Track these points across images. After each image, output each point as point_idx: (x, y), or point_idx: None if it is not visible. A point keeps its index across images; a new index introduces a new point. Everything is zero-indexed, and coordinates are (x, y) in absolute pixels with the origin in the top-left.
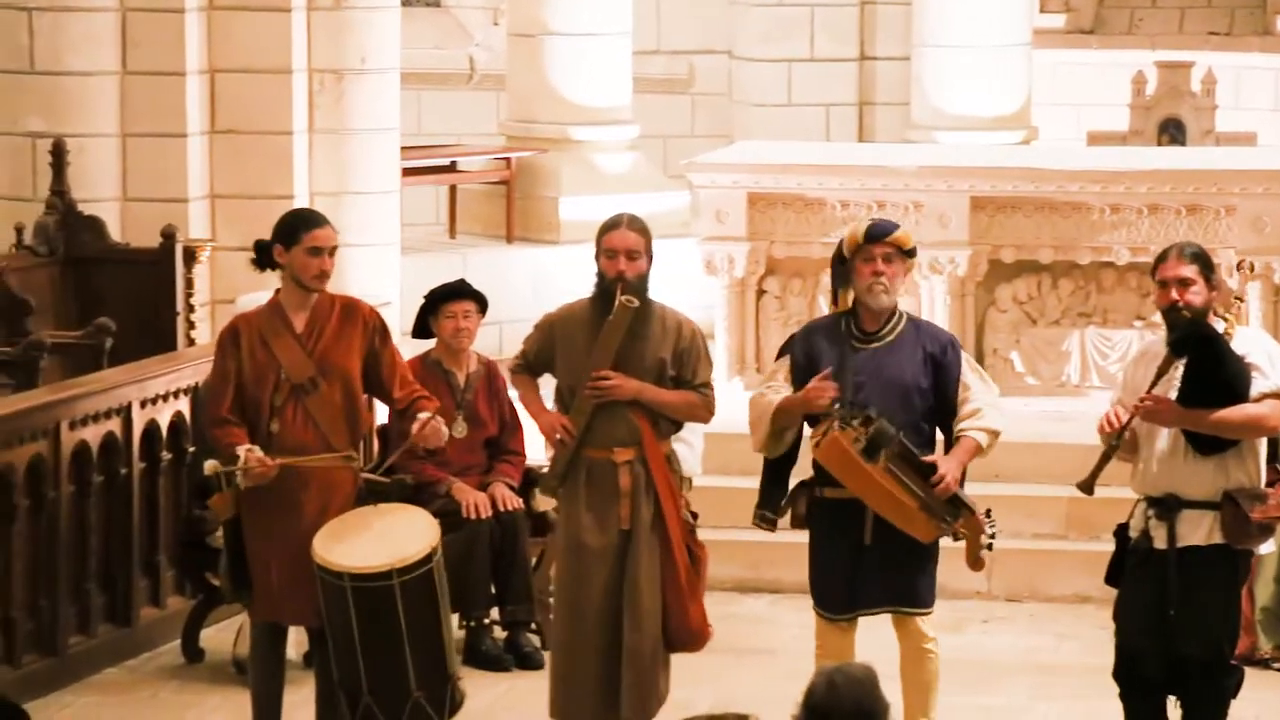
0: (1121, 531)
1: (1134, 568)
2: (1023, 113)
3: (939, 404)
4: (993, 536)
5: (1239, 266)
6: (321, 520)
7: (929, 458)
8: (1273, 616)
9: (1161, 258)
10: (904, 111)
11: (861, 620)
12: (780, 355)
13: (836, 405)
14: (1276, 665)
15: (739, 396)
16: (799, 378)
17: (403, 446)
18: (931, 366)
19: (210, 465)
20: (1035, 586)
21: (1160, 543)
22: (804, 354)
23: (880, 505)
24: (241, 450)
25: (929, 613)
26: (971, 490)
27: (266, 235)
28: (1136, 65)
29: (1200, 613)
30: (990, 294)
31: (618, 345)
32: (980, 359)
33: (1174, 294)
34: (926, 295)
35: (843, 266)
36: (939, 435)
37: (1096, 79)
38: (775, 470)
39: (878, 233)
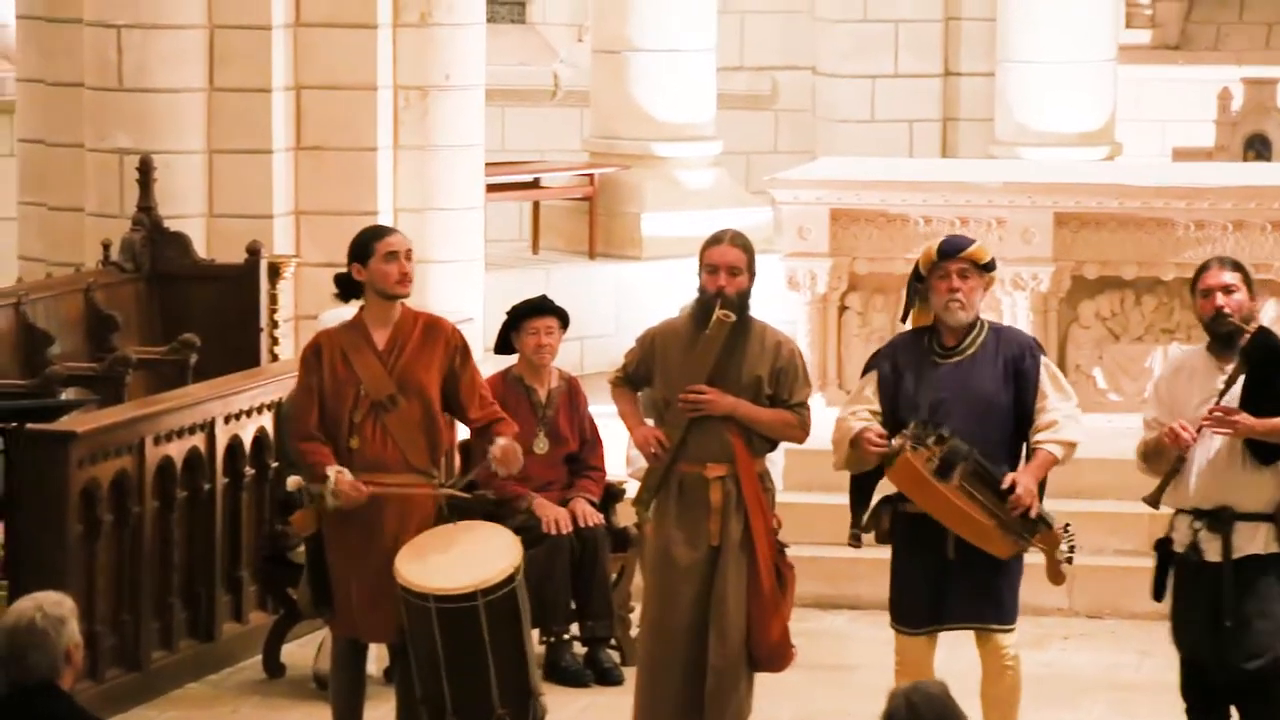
0: (1164, 545)
1: (1186, 581)
2: (1107, 129)
3: (1018, 412)
4: (1072, 550)
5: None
6: (401, 538)
7: (1006, 478)
8: None
9: (1204, 268)
10: (988, 127)
11: (942, 636)
12: (866, 371)
13: (911, 425)
14: None
15: (821, 413)
16: (886, 392)
17: (480, 465)
18: (1013, 374)
19: (293, 481)
20: (1117, 603)
21: (1213, 555)
22: (891, 368)
23: (956, 524)
24: (332, 472)
25: (1012, 629)
26: (1053, 506)
27: (347, 253)
28: (1222, 81)
29: (1261, 621)
30: (1073, 310)
31: (714, 360)
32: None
33: (1219, 300)
34: (1009, 311)
35: (920, 284)
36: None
37: (1182, 95)
38: (860, 486)
39: (951, 249)
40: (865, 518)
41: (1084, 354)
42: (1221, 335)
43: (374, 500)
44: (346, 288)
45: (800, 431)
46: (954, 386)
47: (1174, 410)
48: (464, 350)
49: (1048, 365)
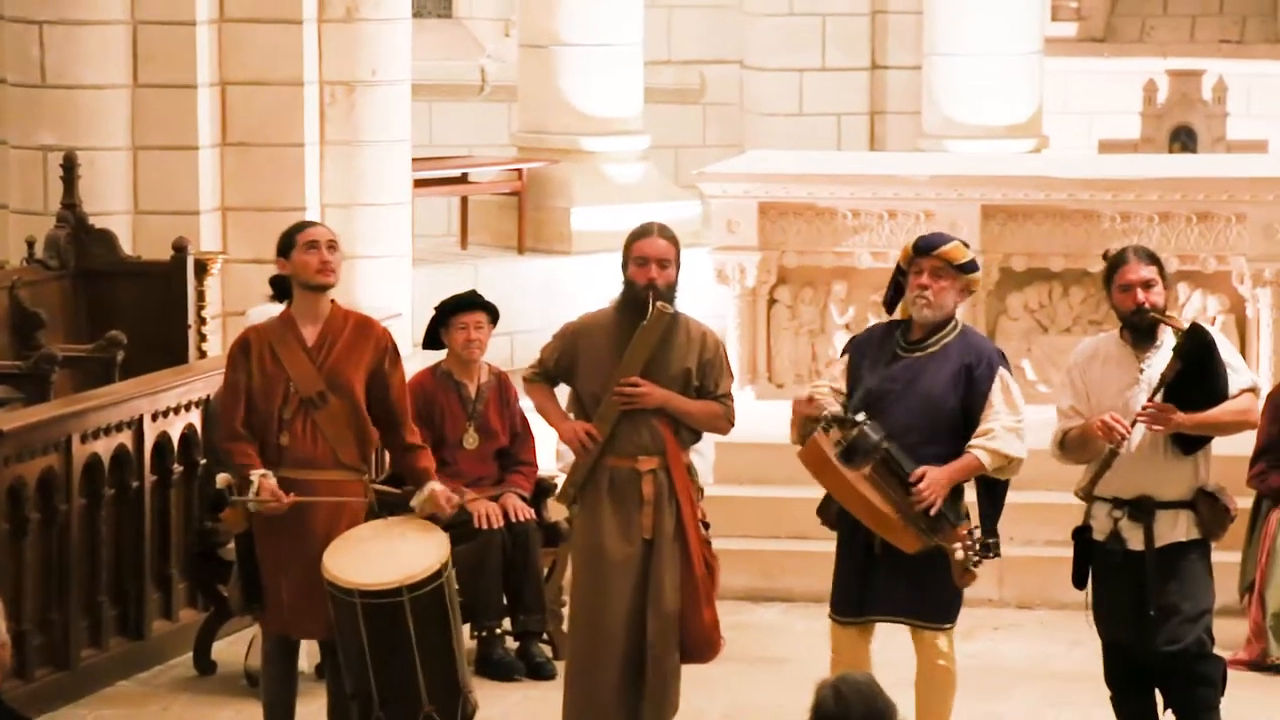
0: (1082, 533)
1: (1108, 570)
2: (1034, 121)
3: (968, 419)
4: (980, 553)
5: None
6: (332, 534)
7: (917, 471)
8: None
9: (1120, 260)
10: (915, 121)
11: (881, 629)
12: (843, 354)
13: (830, 411)
14: None
15: (750, 406)
16: (852, 376)
17: (408, 499)
18: (965, 379)
19: (222, 478)
20: (1047, 594)
21: (1135, 544)
22: (857, 355)
23: (859, 511)
24: (255, 476)
25: (945, 628)
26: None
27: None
28: (1148, 73)
29: (1180, 607)
30: (1001, 302)
31: (649, 353)
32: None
33: (1140, 295)
34: None
35: (903, 278)
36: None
37: (1108, 87)
38: None
39: (925, 246)
40: (821, 501)
41: (1012, 346)
42: (1142, 329)
43: (305, 495)
44: (280, 288)
45: (726, 423)
46: (906, 380)
47: (1092, 398)
48: (394, 353)
49: (1003, 377)
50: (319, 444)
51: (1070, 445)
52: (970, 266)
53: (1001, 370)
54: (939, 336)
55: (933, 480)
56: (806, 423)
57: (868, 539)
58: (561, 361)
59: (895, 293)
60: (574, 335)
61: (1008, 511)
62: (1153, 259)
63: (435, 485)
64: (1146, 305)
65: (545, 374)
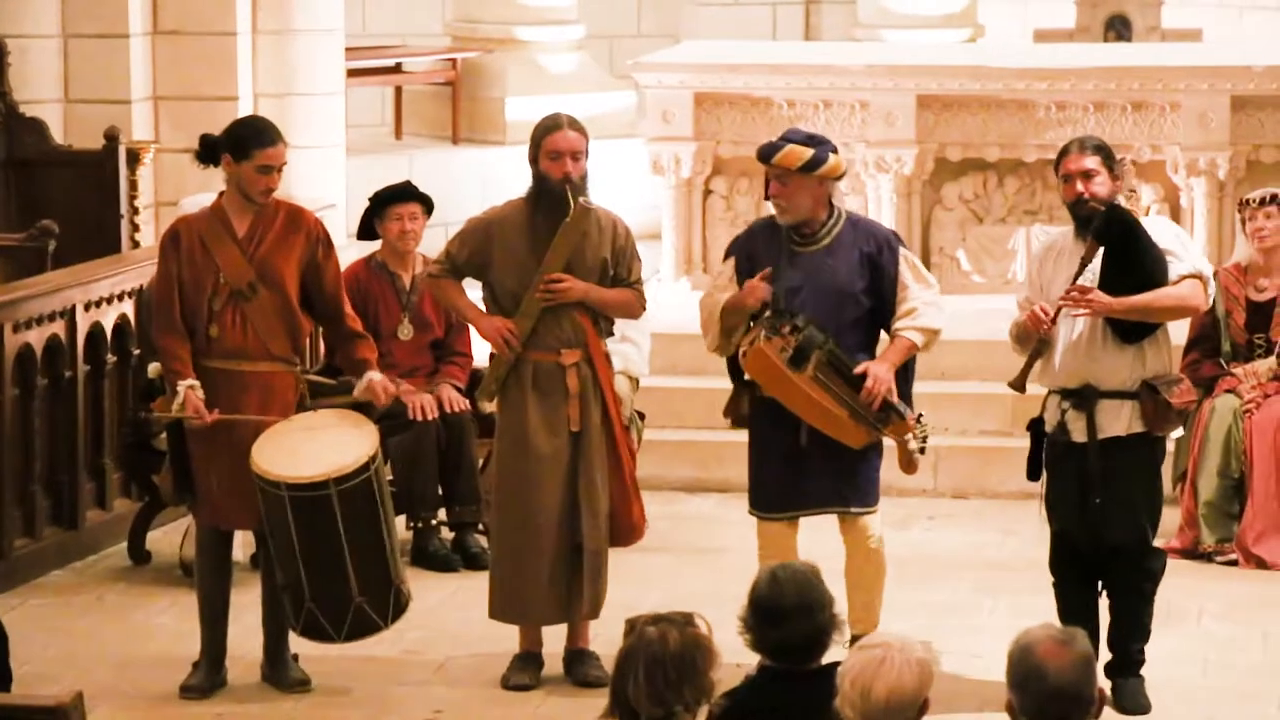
0: (1036, 425)
1: (1055, 461)
2: (969, 11)
3: (877, 304)
4: (924, 440)
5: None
6: (262, 427)
7: (860, 366)
8: (1215, 511)
9: (1064, 152)
10: (851, 10)
11: (806, 521)
12: (727, 256)
13: (766, 313)
14: (1219, 559)
15: (685, 297)
16: (742, 278)
17: (344, 389)
18: (869, 267)
19: (154, 368)
20: (981, 483)
21: (1079, 435)
22: (746, 256)
23: (808, 414)
24: (183, 387)
25: (873, 511)
26: (917, 389)
27: (211, 135)
28: None
29: (1126, 500)
30: (936, 192)
31: (571, 249)
32: (926, 257)
33: (1079, 186)
34: (873, 194)
35: None
36: (883, 336)
37: None
38: (736, 368)
39: (762, 155)
40: (728, 402)
41: (947, 236)
42: (1082, 219)
43: (234, 387)
44: (209, 156)
45: (640, 308)
46: (809, 275)
47: (1045, 291)
48: (327, 242)
49: (906, 256)
50: (249, 335)
51: (1019, 338)
52: (813, 164)
53: (902, 250)
54: (828, 228)
55: (878, 373)
56: (732, 319)
57: (792, 434)
58: (473, 259)
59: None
60: (485, 231)
61: (943, 402)
62: (1098, 150)
63: (374, 375)
64: (1085, 195)
65: (454, 269)
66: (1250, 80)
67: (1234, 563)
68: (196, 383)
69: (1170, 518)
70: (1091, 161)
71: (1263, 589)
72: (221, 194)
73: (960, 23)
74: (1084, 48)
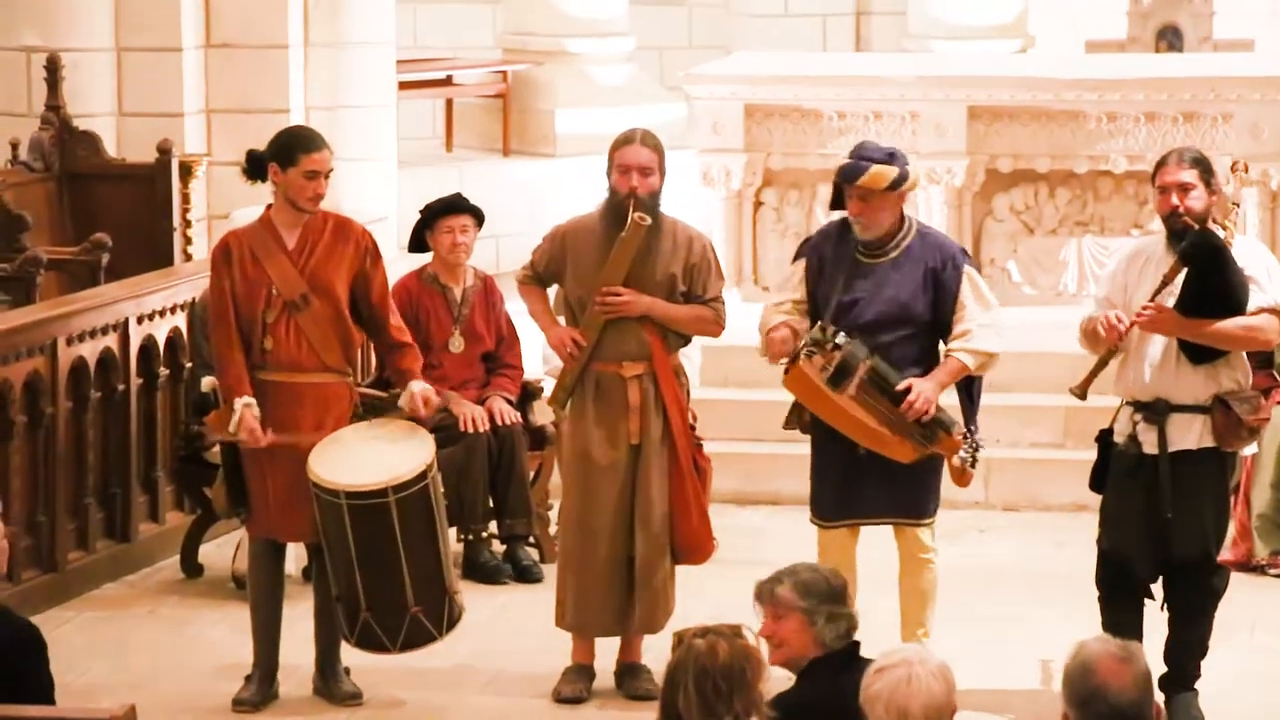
0: (1105, 436)
1: (1123, 473)
2: (1020, 21)
3: (937, 319)
4: (975, 453)
5: (1233, 169)
6: (318, 437)
7: (904, 383)
8: (1269, 523)
9: (1161, 163)
10: (901, 21)
11: (866, 532)
12: (797, 257)
13: (813, 327)
14: (1273, 571)
15: (737, 308)
16: (813, 280)
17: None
18: (932, 282)
19: (208, 382)
20: (1032, 495)
21: (1150, 447)
22: (818, 258)
23: (852, 431)
24: (239, 405)
25: (929, 522)
26: None
27: (256, 150)
28: None
29: (1193, 515)
30: (987, 204)
31: (629, 263)
32: (977, 269)
33: (1174, 199)
34: (924, 205)
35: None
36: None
37: None
38: None
39: (847, 176)
40: (789, 411)
41: (998, 247)
42: (1176, 232)
43: (290, 399)
44: (256, 170)
45: (716, 326)
46: (872, 288)
47: (1127, 293)
48: (374, 252)
49: (970, 275)
50: (303, 347)
51: (1086, 335)
52: (897, 183)
53: (967, 268)
54: (897, 240)
55: (922, 390)
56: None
57: (850, 444)
58: (550, 265)
59: (837, 196)
60: (562, 239)
61: (995, 414)
62: (1197, 163)
63: (415, 385)
64: (1180, 209)
65: (536, 276)
66: None
67: None
68: (253, 401)
69: None
70: (1189, 175)
71: None
72: (269, 207)
73: (1011, 33)
74: (1135, 58)
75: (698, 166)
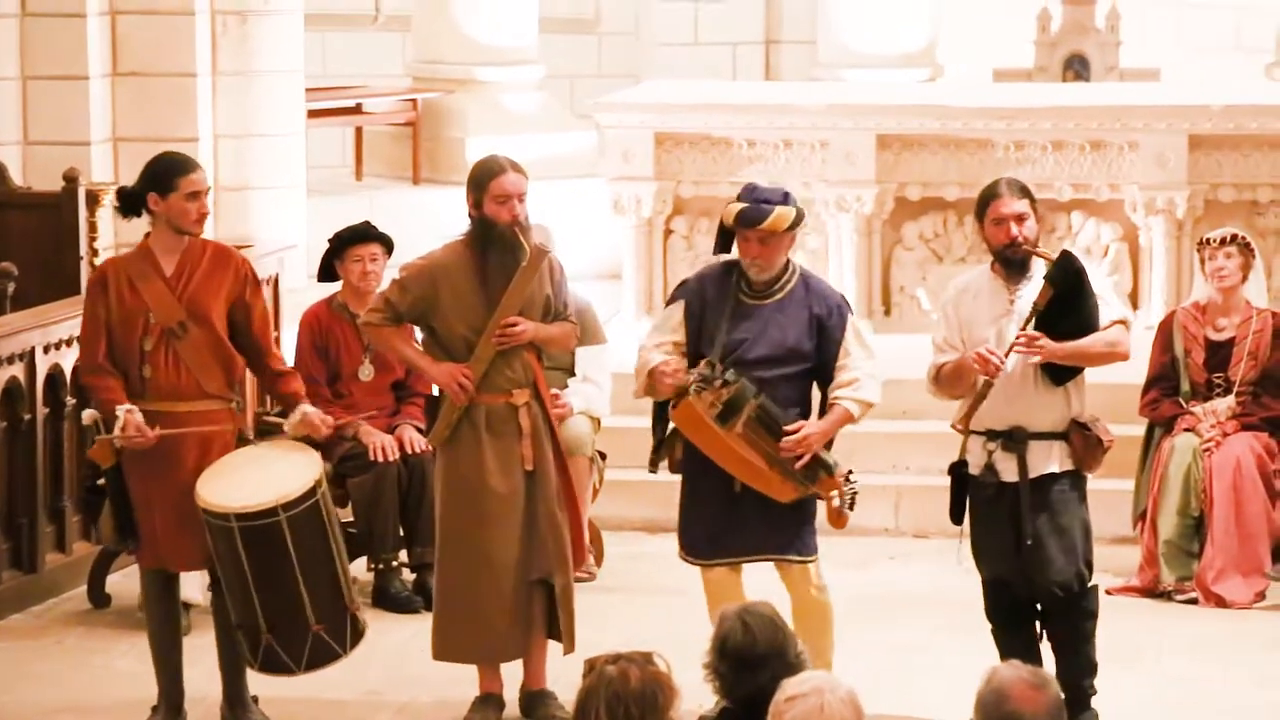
0: (958, 468)
1: (984, 503)
2: (928, 51)
3: (819, 364)
4: (853, 497)
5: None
6: (202, 464)
7: (793, 425)
8: (1175, 549)
9: (993, 195)
10: (810, 50)
11: (748, 568)
12: (672, 300)
13: (700, 364)
14: (1179, 597)
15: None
16: (693, 325)
17: (282, 418)
18: (816, 328)
19: (89, 415)
20: (943, 522)
21: (1009, 475)
22: (698, 301)
23: (735, 469)
24: (120, 411)
25: (813, 559)
26: (879, 427)
27: (126, 186)
28: (1041, 2)
29: (1065, 537)
30: (897, 232)
31: (527, 291)
32: (886, 297)
33: (1013, 229)
34: (834, 233)
35: (728, 234)
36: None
37: (1001, 16)
38: (661, 412)
39: (747, 222)
40: (659, 446)
41: (907, 275)
42: (1015, 262)
43: (171, 426)
44: (131, 206)
45: (575, 340)
46: (758, 330)
47: (965, 331)
48: (254, 281)
49: (852, 324)
50: (183, 374)
51: (944, 379)
52: (795, 222)
53: (849, 317)
54: (781, 283)
55: (807, 437)
56: (655, 378)
57: (726, 480)
58: (417, 305)
59: (724, 239)
60: (429, 276)
61: (905, 441)
62: (1024, 192)
63: (306, 408)
64: (1020, 239)
65: (396, 316)
66: (1208, 119)
67: (1194, 601)
68: (134, 406)
69: (1130, 556)
70: (1021, 205)
71: (1223, 627)
72: (147, 235)
73: (919, 62)
74: (1043, 87)
75: (608, 195)
